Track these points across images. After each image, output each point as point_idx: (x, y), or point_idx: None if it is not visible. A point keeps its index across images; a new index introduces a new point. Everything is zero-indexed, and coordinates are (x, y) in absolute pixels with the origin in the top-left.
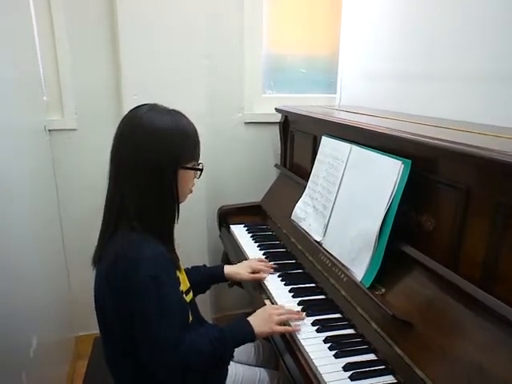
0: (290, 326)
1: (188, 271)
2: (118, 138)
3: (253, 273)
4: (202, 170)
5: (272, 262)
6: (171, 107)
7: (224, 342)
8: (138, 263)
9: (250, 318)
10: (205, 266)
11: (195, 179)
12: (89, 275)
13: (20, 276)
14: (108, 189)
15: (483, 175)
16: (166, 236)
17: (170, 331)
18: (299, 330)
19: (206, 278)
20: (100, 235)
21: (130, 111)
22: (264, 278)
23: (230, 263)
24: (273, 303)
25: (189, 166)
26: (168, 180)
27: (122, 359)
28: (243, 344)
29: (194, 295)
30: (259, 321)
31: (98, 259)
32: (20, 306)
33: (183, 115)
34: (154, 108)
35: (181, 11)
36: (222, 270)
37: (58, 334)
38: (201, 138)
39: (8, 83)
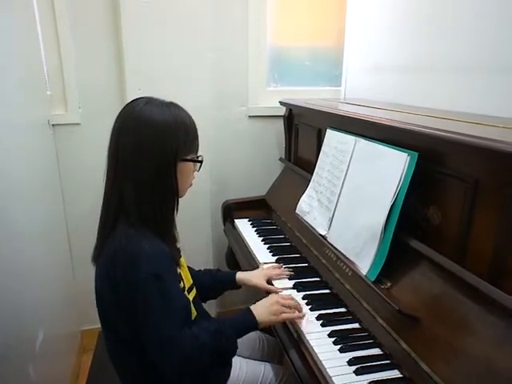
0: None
1: (200, 274)
2: (117, 132)
3: (268, 282)
4: (201, 162)
5: (276, 257)
6: (175, 101)
7: (225, 332)
8: (138, 260)
9: (252, 306)
10: (218, 270)
11: (195, 172)
12: (93, 270)
13: (26, 271)
14: (106, 184)
15: (492, 167)
16: (166, 231)
17: (173, 329)
18: (304, 315)
19: (217, 284)
20: (99, 231)
21: (127, 105)
22: (280, 290)
23: (234, 258)
24: None
25: (188, 158)
26: (168, 172)
27: (123, 352)
28: (246, 333)
29: (205, 300)
30: (263, 309)
31: (98, 256)
32: (26, 300)
33: (180, 107)
34: (150, 101)
35: (185, 4)
36: (235, 277)
37: (64, 327)
38: (205, 132)
39: (11, 78)
